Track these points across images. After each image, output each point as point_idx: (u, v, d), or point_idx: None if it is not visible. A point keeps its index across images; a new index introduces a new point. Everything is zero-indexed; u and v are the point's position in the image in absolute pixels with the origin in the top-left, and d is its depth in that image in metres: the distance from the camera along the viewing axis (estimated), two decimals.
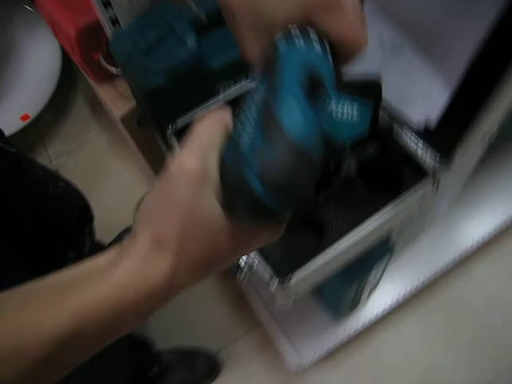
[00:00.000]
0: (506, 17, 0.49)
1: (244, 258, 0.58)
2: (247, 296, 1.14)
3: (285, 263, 0.58)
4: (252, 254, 0.58)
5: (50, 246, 0.82)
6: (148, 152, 1.22)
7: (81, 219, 0.93)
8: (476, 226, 1.17)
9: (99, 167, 1.56)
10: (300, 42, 0.28)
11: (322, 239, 0.60)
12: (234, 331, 1.22)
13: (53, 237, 0.83)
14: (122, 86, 1.11)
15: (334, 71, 0.29)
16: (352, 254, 0.65)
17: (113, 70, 1.02)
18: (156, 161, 1.24)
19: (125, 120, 1.09)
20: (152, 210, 0.29)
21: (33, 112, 1.49)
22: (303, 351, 1.05)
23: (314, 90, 0.27)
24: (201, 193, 0.27)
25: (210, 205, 0.28)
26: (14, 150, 0.68)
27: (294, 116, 0.26)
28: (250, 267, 0.57)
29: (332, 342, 1.05)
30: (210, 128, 0.29)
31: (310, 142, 0.26)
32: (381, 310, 1.08)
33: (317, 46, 0.28)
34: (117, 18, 0.73)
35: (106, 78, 1.11)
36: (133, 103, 1.07)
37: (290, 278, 0.55)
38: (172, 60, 0.67)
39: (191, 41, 0.66)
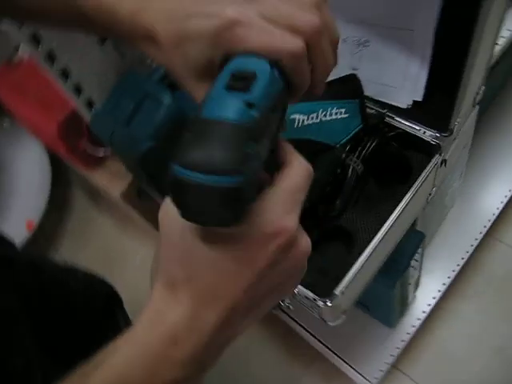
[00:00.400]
0: None
1: None
2: (299, 332, 1.11)
3: (324, 281, 0.57)
4: None
5: (86, 341, 0.80)
6: (156, 221, 1.22)
7: (110, 304, 0.91)
8: (491, 195, 1.17)
9: (113, 252, 1.55)
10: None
11: (353, 247, 0.59)
12: (294, 372, 1.18)
13: (87, 332, 0.81)
14: (114, 165, 1.12)
15: (269, 67, 0.29)
16: (386, 252, 0.64)
17: (100, 152, 1.04)
18: None
19: (125, 198, 1.10)
20: (158, 260, 0.30)
21: (35, 218, 1.50)
22: (368, 371, 1.01)
23: (243, 83, 0.27)
24: (186, 226, 0.28)
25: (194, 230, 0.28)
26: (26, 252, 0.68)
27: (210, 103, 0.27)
28: (292, 295, 0.56)
29: (394, 352, 1.01)
30: None
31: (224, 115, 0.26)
32: (431, 302, 1.04)
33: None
34: (90, 100, 0.75)
35: (97, 162, 1.12)
36: (128, 179, 1.08)
37: (333, 295, 0.54)
38: (154, 122, 0.68)
39: (167, 98, 0.67)
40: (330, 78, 0.65)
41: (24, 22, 0.60)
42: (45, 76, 1.07)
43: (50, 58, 0.68)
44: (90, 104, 0.76)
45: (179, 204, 0.26)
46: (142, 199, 1.14)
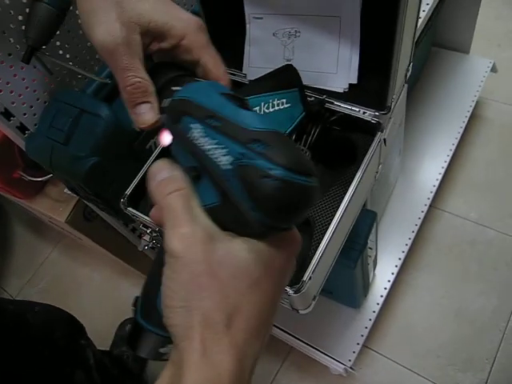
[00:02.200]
0: None
1: None
2: None
3: None
4: None
5: (53, 374, 0.76)
6: (106, 242, 1.18)
7: (72, 334, 0.88)
8: (430, 168, 1.23)
9: (65, 282, 1.49)
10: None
11: (312, 233, 0.59)
12: (269, 370, 1.18)
13: (52, 363, 0.77)
14: (54, 190, 1.07)
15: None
16: (344, 233, 0.65)
17: (39, 178, 0.99)
18: (118, 247, 1.20)
19: (71, 222, 1.06)
20: (186, 299, 0.25)
21: None
22: (342, 354, 1.03)
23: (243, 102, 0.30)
24: (212, 248, 0.26)
25: (225, 249, 0.26)
26: None
27: (245, 114, 0.28)
28: None
29: (364, 331, 1.04)
30: (175, 196, 0.28)
31: (266, 125, 0.28)
32: (390, 278, 1.08)
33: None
34: (22, 124, 0.71)
35: (35, 190, 1.07)
36: (72, 202, 1.04)
37: (302, 282, 0.54)
38: (94, 137, 0.66)
39: (105, 111, 0.65)
40: (267, 71, 0.66)
41: None
42: None
43: None
44: (22, 128, 0.72)
45: (278, 209, 0.26)
46: (90, 221, 1.10)
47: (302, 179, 0.25)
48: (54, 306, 0.88)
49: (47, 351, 0.78)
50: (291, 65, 0.62)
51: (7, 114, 0.69)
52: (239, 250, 0.26)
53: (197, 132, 0.29)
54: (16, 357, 0.67)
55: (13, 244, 1.62)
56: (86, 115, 0.66)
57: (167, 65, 0.38)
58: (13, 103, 0.69)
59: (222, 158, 0.27)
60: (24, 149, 0.74)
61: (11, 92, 0.68)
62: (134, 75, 0.34)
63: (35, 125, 0.72)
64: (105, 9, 0.33)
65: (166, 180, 0.29)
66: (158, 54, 0.37)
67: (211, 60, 0.36)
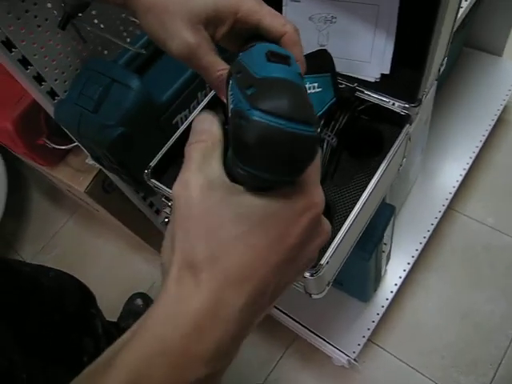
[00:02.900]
0: None
1: None
2: (274, 314, 1.12)
3: None
4: None
5: (61, 339, 0.78)
6: (122, 215, 1.19)
7: (83, 302, 0.89)
8: (450, 169, 1.22)
9: (79, 252, 1.51)
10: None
11: (333, 218, 0.60)
12: (272, 355, 1.19)
13: (61, 328, 0.79)
14: (75, 160, 1.09)
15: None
16: (363, 222, 0.65)
17: (62, 147, 1.00)
18: (134, 221, 1.21)
19: (90, 192, 1.07)
20: (173, 239, 0.26)
21: None
22: (347, 345, 1.03)
23: (283, 59, 0.28)
24: (207, 195, 0.26)
25: (219, 198, 0.26)
26: None
27: (266, 66, 0.27)
28: None
29: (370, 325, 1.04)
30: (196, 146, 0.29)
31: (279, 74, 0.26)
32: (402, 275, 1.08)
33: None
34: (53, 90, 0.72)
35: (57, 158, 1.09)
36: (93, 173, 1.05)
37: (319, 265, 0.54)
38: (123, 108, 0.67)
39: (135, 83, 0.66)
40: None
41: None
42: None
43: (7, 45, 0.64)
44: (52, 94, 0.73)
45: (256, 155, 0.24)
46: (108, 193, 1.11)
47: (281, 123, 0.23)
48: (68, 273, 0.89)
49: (58, 316, 0.79)
50: (326, 50, 0.61)
51: (39, 79, 0.70)
52: (232, 202, 0.26)
53: (229, 87, 0.30)
54: (28, 317, 0.69)
55: (29, 210, 1.64)
56: (116, 85, 0.67)
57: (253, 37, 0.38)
58: (45, 68, 0.69)
59: (229, 107, 0.28)
60: (52, 115, 0.75)
61: (45, 57, 0.69)
62: (216, 69, 0.36)
63: (65, 91, 0.73)
64: (170, 21, 0.35)
65: (197, 131, 0.30)
66: (224, 41, 0.38)
67: (267, 19, 0.36)
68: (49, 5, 0.67)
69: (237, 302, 0.24)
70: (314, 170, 0.28)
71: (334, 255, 0.55)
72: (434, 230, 1.15)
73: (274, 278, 0.26)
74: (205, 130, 0.29)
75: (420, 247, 1.11)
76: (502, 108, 1.28)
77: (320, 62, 0.60)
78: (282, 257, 0.26)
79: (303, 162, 0.25)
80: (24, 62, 0.67)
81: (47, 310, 0.77)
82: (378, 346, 1.15)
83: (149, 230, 1.17)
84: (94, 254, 1.49)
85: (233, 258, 0.25)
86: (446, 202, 1.17)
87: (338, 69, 0.66)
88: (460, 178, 1.19)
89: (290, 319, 1.08)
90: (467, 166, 1.20)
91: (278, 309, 1.10)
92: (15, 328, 0.64)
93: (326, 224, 0.29)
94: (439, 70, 0.65)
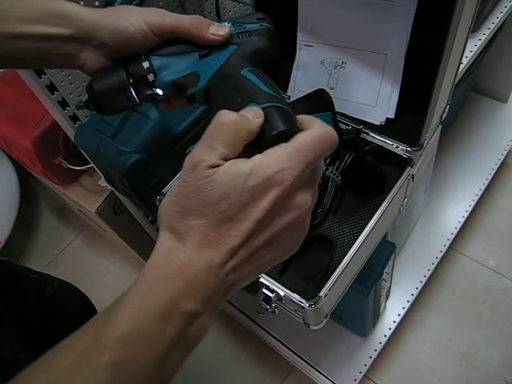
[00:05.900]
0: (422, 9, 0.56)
1: (268, 292, 0.59)
2: (273, 345, 1.13)
3: (307, 286, 0.60)
4: (275, 287, 0.59)
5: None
6: (129, 237, 1.22)
7: (85, 314, 0.91)
8: (453, 210, 1.24)
9: (83, 270, 1.53)
10: None
11: (333, 253, 0.62)
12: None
13: (61, 336, 0.81)
14: (88, 181, 1.12)
15: None
16: (363, 258, 0.68)
17: (77, 168, 1.04)
18: (140, 243, 1.24)
19: (100, 213, 1.10)
20: (161, 208, 0.31)
21: (2, 237, 1.46)
22: (343, 380, 1.04)
23: None
24: (206, 173, 0.29)
25: (212, 173, 0.29)
26: (6, 258, 0.69)
27: None
28: (279, 298, 0.58)
29: (367, 361, 1.04)
30: (225, 119, 0.31)
31: None
32: (401, 312, 1.09)
33: None
34: (75, 114, 0.76)
35: (71, 178, 1.12)
36: (104, 195, 1.09)
37: (318, 297, 0.57)
38: (140, 136, 0.70)
39: (154, 113, 0.70)
40: (301, 95, 0.69)
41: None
42: (18, 91, 1.07)
43: (37, 72, 0.69)
44: (74, 118, 0.77)
45: None
46: (117, 215, 1.14)
47: None
48: (71, 284, 0.91)
49: (59, 324, 0.81)
50: (324, 90, 0.65)
51: (63, 104, 0.74)
52: (221, 172, 0.29)
53: None
54: (32, 322, 0.71)
55: (38, 226, 1.67)
56: (135, 114, 0.71)
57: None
58: (70, 94, 0.74)
59: None
60: (72, 137, 0.79)
61: (71, 84, 0.73)
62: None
63: (87, 117, 0.77)
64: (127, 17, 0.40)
65: (239, 112, 0.32)
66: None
67: (185, 24, 0.39)
68: None
69: (215, 259, 0.29)
70: (288, 153, 0.30)
71: (332, 288, 0.58)
72: (435, 270, 1.16)
73: (244, 242, 0.30)
74: (242, 113, 0.32)
75: (420, 285, 1.12)
76: (505, 153, 1.31)
77: (320, 101, 0.64)
78: (250, 226, 0.30)
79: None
80: (51, 88, 0.71)
81: (49, 317, 0.79)
82: (374, 382, 1.15)
83: None
84: (98, 273, 1.51)
85: (210, 221, 0.29)
86: (448, 242, 1.18)
87: (346, 111, 0.69)
88: (462, 220, 1.21)
89: (288, 350, 1.09)
90: (470, 208, 1.23)
91: (276, 338, 1.11)
92: (18, 329, 0.66)
93: (299, 200, 0.31)
94: (441, 117, 0.69)
